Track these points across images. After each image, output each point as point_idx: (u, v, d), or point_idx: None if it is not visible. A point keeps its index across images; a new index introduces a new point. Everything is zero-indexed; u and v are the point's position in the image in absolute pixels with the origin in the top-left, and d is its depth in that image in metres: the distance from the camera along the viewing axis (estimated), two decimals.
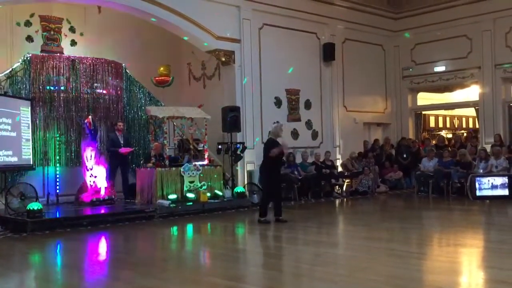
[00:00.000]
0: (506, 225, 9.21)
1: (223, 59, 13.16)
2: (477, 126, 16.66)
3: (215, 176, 11.71)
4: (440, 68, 16.20)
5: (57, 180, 11.36)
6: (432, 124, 19.25)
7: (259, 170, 9.93)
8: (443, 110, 19.09)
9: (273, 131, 9.34)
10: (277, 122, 9.53)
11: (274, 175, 9.24)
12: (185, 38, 12.86)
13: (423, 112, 17.85)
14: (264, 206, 9.31)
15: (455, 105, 17.90)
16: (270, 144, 9.17)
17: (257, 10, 13.51)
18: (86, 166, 10.88)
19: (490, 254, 6.61)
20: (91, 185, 10.82)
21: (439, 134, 18.78)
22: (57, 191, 11.33)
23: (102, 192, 10.80)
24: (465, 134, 18.01)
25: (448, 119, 19.91)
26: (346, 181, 14.63)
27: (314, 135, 14.91)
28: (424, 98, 17.58)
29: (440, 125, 19.68)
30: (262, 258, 6.79)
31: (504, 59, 14.83)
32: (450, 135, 19.19)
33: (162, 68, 13.69)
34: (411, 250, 6.92)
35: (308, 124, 14.76)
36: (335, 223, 10.34)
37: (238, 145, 12.46)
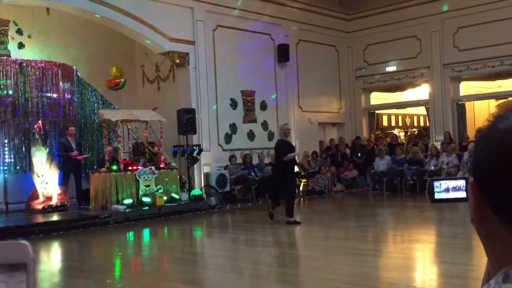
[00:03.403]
0: (457, 220, 9.48)
1: (178, 61, 13.04)
2: (427, 124, 17.12)
3: (172, 179, 11.57)
4: (391, 68, 16.55)
5: (6, 187, 10.97)
6: (385, 123, 19.65)
7: (273, 172, 9.69)
8: (395, 109, 19.51)
9: (279, 133, 9.20)
10: (285, 124, 9.41)
11: (290, 175, 8.99)
12: (148, 42, 12.66)
13: (376, 112, 18.19)
14: (291, 207, 9.01)
15: (407, 104, 18.31)
16: (280, 145, 9.03)
17: (210, 11, 13.45)
18: (37, 173, 10.56)
19: (443, 249, 6.79)
20: (42, 192, 10.50)
21: (392, 132, 19.19)
22: (6, 199, 10.94)
23: (54, 198, 10.50)
24: (416, 132, 18.47)
25: (400, 118, 20.37)
26: (303, 181, 14.75)
27: (270, 136, 14.95)
28: (377, 98, 17.92)
29: (393, 123, 20.11)
30: (220, 261, 6.76)
31: (452, 59, 15.28)
32: (402, 134, 19.63)
33: (114, 69, 13.41)
34: (367, 248, 7.03)
35: (264, 125, 14.80)
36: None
37: (195, 147, 12.37)
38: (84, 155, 11.37)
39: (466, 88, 16.16)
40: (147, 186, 10.97)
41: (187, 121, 12.08)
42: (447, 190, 1.01)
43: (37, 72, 11.37)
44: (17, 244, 0.65)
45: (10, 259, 0.64)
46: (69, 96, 11.92)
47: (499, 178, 0.69)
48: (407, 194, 13.15)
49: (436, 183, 1.02)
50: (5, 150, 10.96)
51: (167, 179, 11.41)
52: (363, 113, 17.52)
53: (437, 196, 1.02)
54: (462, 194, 0.99)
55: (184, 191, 11.93)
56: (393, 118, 20.05)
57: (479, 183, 0.72)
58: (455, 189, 1.01)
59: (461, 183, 0.99)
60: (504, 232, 0.70)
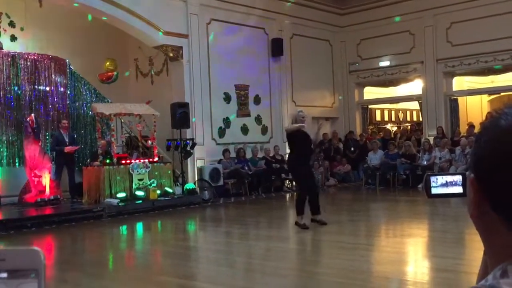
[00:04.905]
0: (449, 215, 9.55)
1: (171, 54, 12.99)
2: (420, 119, 17.17)
3: (165, 173, 11.56)
4: (385, 63, 16.57)
5: None
6: (378, 117, 19.70)
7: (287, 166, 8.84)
8: (388, 104, 19.56)
9: (291, 120, 8.40)
10: (300, 111, 8.57)
11: (304, 168, 7.91)
12: (140, 35, 12.62)
13: (370, 106, 18.23)
14: (298, 204, 7.90)
15: (400, 99, 18.37)
16: (288, 133, 8.24)
17: (204, 5, 13.40)
18: (30, 166, 10.52)
19: (434, 243, 6.84)
20: (35, 185, 10.47)
21: (385, 127, 19.24)
22: None
23: (47, 192, 10.47)
24: (409, 127, 18.54)
25: (393, 112, 20.43)
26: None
27: (264, 130, 14.98)
28: (370, 92, 17.96)
29: (386, 118, 20.17)
30: (214, 255, 6.77)
31: (445, 54, 15.32)
32: (395, 128, 19.69)
33: (108, 63, 13.34)
34: (359, 242, 7.07)
35: (258, 119, 14.81)
36: (286, 217, 10.43)
37: (188, 141, 12.36)
38: (74, 148, 11.27)
39: (459, 83, 16.22)
40: (141, 179, 10.95)
41: (180, 115, 12.06)
42: (443, 185, 1.02)
43: (30, 65, 11.30)
44: (30, 251, 0.66)
45: (22, 265, 0.65)
46: (62, 89, 11.87)
47: (498, 175, 0.69)
48: (400, 189, 13.21)
49: (432, 178, 1.03)
50: None
51: (160, 173, 11.41)
52: (357, 107, 17.55)
53: (434, 191, 1.03)
54: (459, 189, 0.99)
55: (177, 185, 11.93)
56: (386, 112, 20.11)
57: (479, 179, 0.73)
58: (452, 184, 1.01)
59: (458, 178, 1.00)
60: (502, 228, 0.71)
